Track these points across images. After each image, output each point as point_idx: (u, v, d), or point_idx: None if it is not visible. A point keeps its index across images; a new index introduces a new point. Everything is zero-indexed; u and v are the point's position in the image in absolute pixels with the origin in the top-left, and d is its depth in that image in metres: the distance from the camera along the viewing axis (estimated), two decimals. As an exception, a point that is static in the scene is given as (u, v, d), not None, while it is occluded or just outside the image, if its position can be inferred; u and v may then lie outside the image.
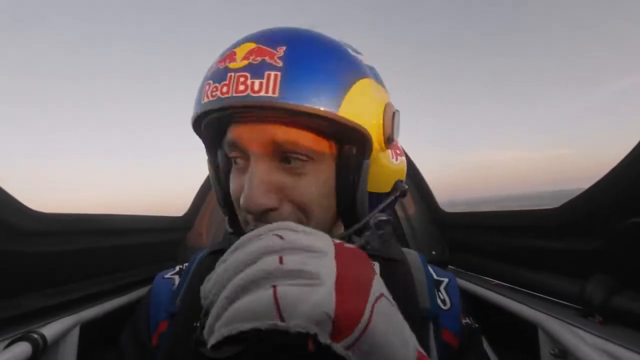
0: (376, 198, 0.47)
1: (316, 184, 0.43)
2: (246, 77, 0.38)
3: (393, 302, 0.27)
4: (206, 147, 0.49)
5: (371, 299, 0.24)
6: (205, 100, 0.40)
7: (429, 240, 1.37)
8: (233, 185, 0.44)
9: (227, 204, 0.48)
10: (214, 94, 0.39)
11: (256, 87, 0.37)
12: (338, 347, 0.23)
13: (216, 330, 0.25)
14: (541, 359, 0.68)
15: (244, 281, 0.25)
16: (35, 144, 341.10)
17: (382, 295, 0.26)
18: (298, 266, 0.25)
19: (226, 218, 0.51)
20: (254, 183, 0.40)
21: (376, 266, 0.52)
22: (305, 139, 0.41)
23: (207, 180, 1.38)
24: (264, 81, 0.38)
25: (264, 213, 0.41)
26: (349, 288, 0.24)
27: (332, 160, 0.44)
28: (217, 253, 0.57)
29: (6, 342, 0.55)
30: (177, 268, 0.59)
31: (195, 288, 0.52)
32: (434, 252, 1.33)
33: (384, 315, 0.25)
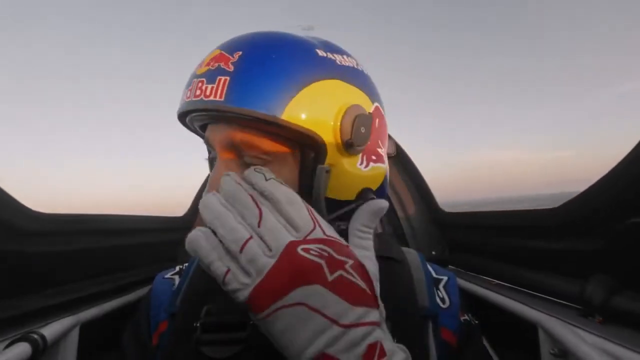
0: (338, 205, 0.45)
1: None
2: (202, 82, 0.41)
3: (304, 312, 0.30)
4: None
5: (280, 303, 0.29)
6: (180, 102, 0.44)
7: (429, 240, 1.37)
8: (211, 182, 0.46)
9: None
10: (184, 97, 0.43)
11: (207, 92, 0.40)
12: (253, 317, 0.31)
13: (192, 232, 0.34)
14: (541, 359, 0.68)
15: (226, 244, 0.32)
16: (35, 144, 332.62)
17: (294, 305, 0.30)
18: (246, 262, 0.31)
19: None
20: (212, 182, 0.43)
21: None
22: (261, 141, 0.42)
23: (207, 180, 1.38)
24: (214, 86, 0.40)
25: None
26: (263, 291, 0.30)
27: (296, 164, 0.44)
28: None
29: (6, 342, 0.55)
30: (177, 268, 0.59)
31: (196, 288, 0.52)
32: (434, 252, 1.33)
33: (286, 320, 0.30)
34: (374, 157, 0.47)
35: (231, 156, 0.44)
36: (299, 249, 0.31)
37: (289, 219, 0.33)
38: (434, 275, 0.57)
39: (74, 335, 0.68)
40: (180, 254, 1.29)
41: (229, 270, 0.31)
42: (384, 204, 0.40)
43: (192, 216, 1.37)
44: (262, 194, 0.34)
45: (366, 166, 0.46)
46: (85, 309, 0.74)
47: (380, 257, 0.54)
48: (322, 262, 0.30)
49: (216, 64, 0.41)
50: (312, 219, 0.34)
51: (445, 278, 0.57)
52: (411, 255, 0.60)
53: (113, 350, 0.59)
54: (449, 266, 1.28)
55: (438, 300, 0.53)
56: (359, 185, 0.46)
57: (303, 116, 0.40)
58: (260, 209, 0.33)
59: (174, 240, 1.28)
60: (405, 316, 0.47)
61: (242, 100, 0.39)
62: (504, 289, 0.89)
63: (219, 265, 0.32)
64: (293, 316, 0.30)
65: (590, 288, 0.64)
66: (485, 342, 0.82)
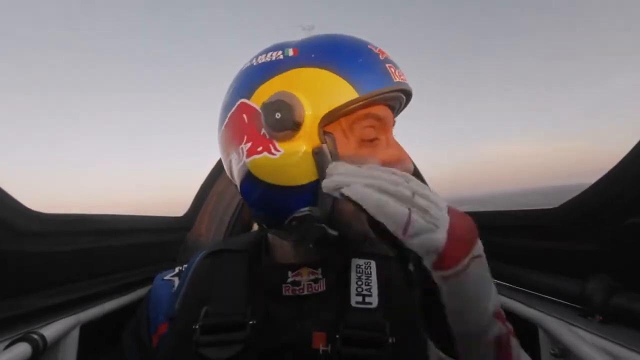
0: None
1: None
2: (398, 71, 0.48)
3: (486, 265, 0.33)
4: (321, 133, 0.45)
5: (471, 254, 0.31)
6: (397, 79, 0.47)
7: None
8: (365, 162, 0.45)
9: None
10: (402, 77, 0.48)
11: (404, 78, 0.48)
12: (436, 275, 0.31)
13: (352, 186, 0.35)
14: (541, 359, 0.68)
15: (391, 188, 0.33)
16: (35, 144, 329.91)
17: (480, 257, 0.32)
18: (425, 207, 0.32)
19: (223, 219, 0.52)
20: (403, 151, 0.48)
21: (372, 264, 0.53)
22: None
23: (208, 180, 1.38)
24: (403, 75, 0.49)
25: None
26: (457, 239, 0.31)
27: None
28: (214, 255, 0.57)
29: (6, 342, 0.55)
30: (177, 269, 0.59)
31: (194, 291, 0.52)
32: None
33: (478, 271, 0.31)
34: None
35: None
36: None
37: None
38: None
39: (74, 335, 0.68)
40: (180, 254, 1.28)
41: (411, 210, 0.32)
42: None
43: (192, 216, 1.37)
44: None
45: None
46: (85, 309, 0.74)
47: (378, 256, 0.54)
48: None
49: (390, 58, 0.49)
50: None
51: None
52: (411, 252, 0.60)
53: (113, 350, 0.59)
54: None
55: None
56: None
57: None
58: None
59: (174, 240, 1.28)
60: (404, 313, 0.48)
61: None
62: (504, 289, 0.89)
63: (397, 205, 0.32)
64: (481, 267, 0.32)
65: (590, 288, 0.64)
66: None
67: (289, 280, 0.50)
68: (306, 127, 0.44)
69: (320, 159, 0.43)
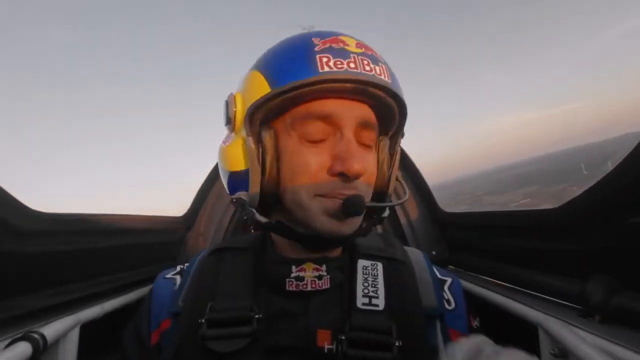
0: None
1: (374, 163, 0.52)
2: (368, 62, 0.46)
3: None
4: (254, 127, 0.49)
5: None
6: (326, 69, 0.44)
7: (429, 240, 1.37)
8: (305, 160, 0.47)
9: (272, 187, 0.49)
10: (339, 66, 0.45)
11: (378, 71, 0.46)
12: None
13: None
14: (541, 359, 0.68)
15: None
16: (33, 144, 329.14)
17: None
18: None
19: (222, 218, 0.53)
20: (353, 151, 0.46)
21: (379, 267, 0.53)
22: (374, 121, 0.50)
23: (208, 180, 1.38)
24: (380, 68, 0.47)
25: (354, 179, 0.46)
26: None
27: (375, 148, 0.53)
28: (218, 253, 0.58)
29: (6, 342, 0.55)
30: (178, 268, 0.60)
31: (198, 287, 0.53)
32: (434, 252, 1.33)
33: None
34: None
35: (354, 129, 0.48)
36: None
37: None
38: (439, 276, 0.58)
39: (74, 335, 0.68)
40: (180, 254, 1.29)
41: None
42: None
43: (192, 216, 1.37)
44: None
45: None
46: (85, 309, 0.74)
47: (385, 258, 0.54)
48: None
49: (370, 52, 0.48)
50: None
51: (449, 280, 0.58)
52: (414, 254, 0.60)
53: (113, 350, 0.59)
54: (449, 266, 1.28)
55: (444, 301, 0.54)
56: None
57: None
58: None
59: (174, 240, 1.28)
60: (411, 317, 0.48)
61: (397, 87, 0.48)
62: (503, 289, 0.88)
63: None
64: None
65: (590, 288, 0.64)
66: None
67: (293, 275, 0.50)
68: (238, 122, 0.50)
69: (248, 150, 0.48)
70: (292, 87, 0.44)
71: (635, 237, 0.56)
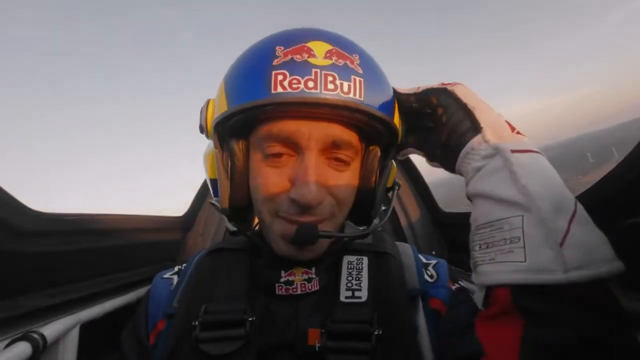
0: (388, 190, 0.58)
1: (352, 180, 0.48)
2: (335, 77, 0.41)
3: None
4: (221, 140, 0.50)
5: None
6: (279, 90, 0.40)
7: (429, 240, 1.37)
8: (265, 180, 0.45)
9: (239, 200, 0.49)
10: (294, 86, 0.40)
11: (345, 89, 0.41)
12: None
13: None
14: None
15: None
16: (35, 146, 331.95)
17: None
18: None
19: (223, 217, 0.53)
20: (311, 178, 0.42)
21: (364, 260, 0.53)
22: (353, 139, 0.46)
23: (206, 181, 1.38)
24: (351, 84, 0.41)
25: (312, 206, 0.44)
26: None
27: (359, 160, 0.49)
28: (215, 253, 0.58)
29: (6, 341, 0.55)
30: (176, 268, 0.60)
31: (194, 288, 0.53)
32: (434, 252, 1.33)
33: None
34: None
35: (321, 151, 0.45)
36: None
37: None
38: (424, 260, 0.59)
39: (74, 335, 0.68)
40: (180, 254, 1.29)
41: None
42: None
43: (192, 216, 1.37)
44: None
45: None
46: (85, 309, 0.74)
47: (375, 252, 0.54)
48: None
49: (342, 61, 0.42)
50: None
51: (434, 261, 0.59)
52: (404, 247, 0.61)
53: (113, 350, 0.59)
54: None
55: (427, 277, 0.55)
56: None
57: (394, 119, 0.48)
58: None
59: (174, 240, 1.28)
60: (395, 304, 0.48)
61: (375, 103, 0.43)
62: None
63: None
64: None
65: (590, 288, 0.64)
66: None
67: (282, 280, 0.50)
68: (210, 132, 0.50)
69: (217, 162, 0.49)
70: (244, 109, 0.42)
71: (635, 237, 0.56)
